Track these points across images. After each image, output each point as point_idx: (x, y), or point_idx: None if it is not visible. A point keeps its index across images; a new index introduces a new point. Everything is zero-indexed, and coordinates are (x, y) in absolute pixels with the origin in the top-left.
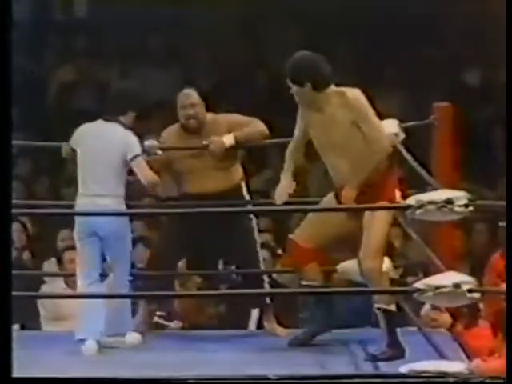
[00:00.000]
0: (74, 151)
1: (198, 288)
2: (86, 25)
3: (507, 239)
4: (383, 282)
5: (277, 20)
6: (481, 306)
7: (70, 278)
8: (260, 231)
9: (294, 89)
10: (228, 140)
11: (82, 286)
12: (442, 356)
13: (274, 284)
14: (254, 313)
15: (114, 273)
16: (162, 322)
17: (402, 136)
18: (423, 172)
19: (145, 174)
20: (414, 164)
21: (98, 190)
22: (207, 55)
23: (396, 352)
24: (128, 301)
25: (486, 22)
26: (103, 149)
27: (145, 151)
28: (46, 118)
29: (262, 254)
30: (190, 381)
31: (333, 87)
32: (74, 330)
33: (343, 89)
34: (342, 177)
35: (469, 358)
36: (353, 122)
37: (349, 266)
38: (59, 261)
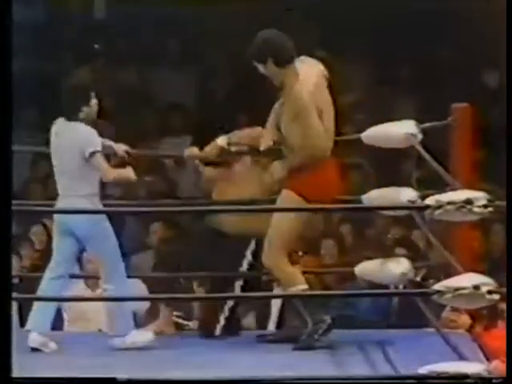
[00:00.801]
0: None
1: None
2: (104, 26)
3: (507, 239)
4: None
5: (292, 20)
6: (500, 307)
7: (89, 279)
8: None
9: (261, 69)
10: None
11: (45, 278)
12: (461, 357)
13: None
14: (273, 314)
15: (102, 273)
16: (180, 321)
17: (420, 137)
18: (443, 172)
19: (103, 169)
20: (434, 164)
21: (66, 190)
22: (223, 57)
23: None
24: (126, 303)
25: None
26: (64, 148)
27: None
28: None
29: None
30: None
31: (297, 65)
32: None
33: (294, 81)
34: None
35: (488, 359)
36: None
37: (368, 267)
38: (79, 261)
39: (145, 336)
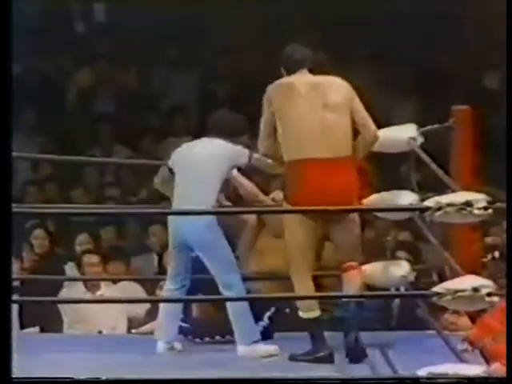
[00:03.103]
0: (171, 172)
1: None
2: (104, 29)
3: (507, 239)
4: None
5: (294, 22)
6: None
7: (90, 282)
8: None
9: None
10: None
11: (167, 290)
12: (461, 359)
13: None
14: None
15: (219, 280)
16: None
17: (420, 140)
18: (442, 174)
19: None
20: (433, 167)
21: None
22: (226, 59)
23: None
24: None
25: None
26: (199, 167)
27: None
28: (66, 122)
29: None
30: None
31: (301, 71)
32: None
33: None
34: None
35: (487, 361)
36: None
37: (370, 270)
38: (78, 265)
39: (270, 348)
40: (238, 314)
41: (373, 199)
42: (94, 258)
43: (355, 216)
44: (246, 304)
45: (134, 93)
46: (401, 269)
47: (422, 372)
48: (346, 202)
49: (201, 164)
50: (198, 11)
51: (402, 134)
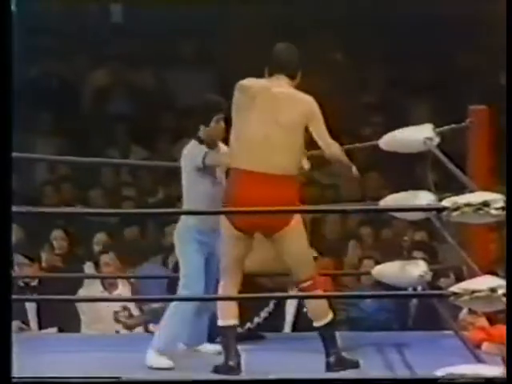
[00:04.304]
0: None
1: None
2: (120, 29)
3: (507, 238)
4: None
5: (310, 21)
6: None
7: (106, 281)
8: None
9: None
10: None
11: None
12: (478, 360)
13: None
14: (289, 316)
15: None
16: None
17: (437, 140)
18: (460, 174)
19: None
20: (451, 166)
21: None
22: (240, 58)
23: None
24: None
25: None
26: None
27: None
28: (82, 122)
29: None
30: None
31: (279, 78)
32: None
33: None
34: None
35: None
36: None
37: (387, 269)
38: (96, 264)
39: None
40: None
41: (390, 199)
42: (112, 257)
43: (295, 231)
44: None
45: (150, 93)
46: (418, 268)
47: (440, 372)
48: (280, 219)
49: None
50: (212, 11)
51: (419, 134)
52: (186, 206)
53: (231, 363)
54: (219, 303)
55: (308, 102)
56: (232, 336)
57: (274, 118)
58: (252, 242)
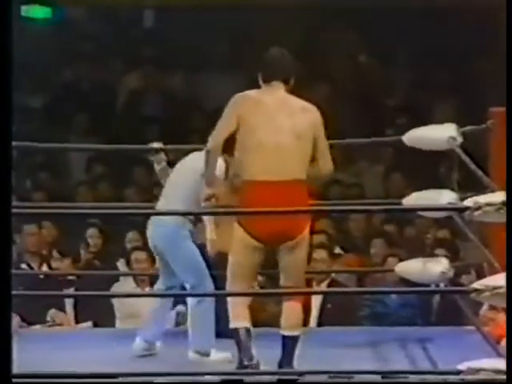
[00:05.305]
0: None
1: (261, 287)
2: (153, 34)
3: (507, 238)
4: None
5: (335, 26)
6: None
7: (138, 277)
8: (316, 232)
9: None
10: None
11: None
12: (498, 354)
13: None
14: (314, 311)
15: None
16: None
17: (460, 140)
18: (481, 174)
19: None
20: (473, 167)
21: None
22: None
23: None
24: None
25: None
26: (176, 174)
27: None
28: (116, 123)
29: (319, 253)
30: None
31: (275, 85)
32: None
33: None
34: None
35: None
36: None
37: (409, 266)
38: (128, 261)
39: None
40: (196, 319)
41: (414, 198)
42: (143, 255)
43: (303, 239)
44: (206, 310)
45: (181, 95)
46: (440, 265)
47: (461, 366)
48: (294, 227)
49: (189, 170)
50: (245, 15)
51: (443, 133)
52: (180, 204)
53: (246, 363)
54: (231, 306)
55: (315, 112)
56: (245, 338)
57: (286, 125)
58: (264, 252)
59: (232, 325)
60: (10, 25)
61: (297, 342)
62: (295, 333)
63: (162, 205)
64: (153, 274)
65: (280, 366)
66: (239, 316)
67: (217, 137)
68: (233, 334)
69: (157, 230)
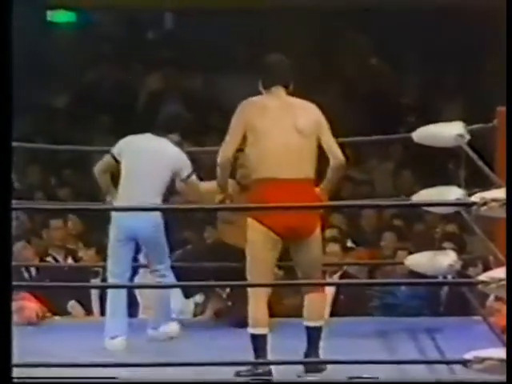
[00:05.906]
0: (116, 161)
1: (278, 279)
2: (173, 36)
3: (507, 239)
4: None
5: (345, 29)
6: None
7: None
8: (329, 227)
9: None
10: None
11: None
12: (504, 344)
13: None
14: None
15: (153, 269)
16: None
17: (467, 138)
18: (488, 171)
19: (194, 191)
20: (480, 164)
21: (140, 200)
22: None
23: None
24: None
25: None
26: (153, 163)
27: None
28: (135, 124)
29: (332, 247)
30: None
31: (276, 90)
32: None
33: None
34: None
35: None
36: None
37: (419, 259)
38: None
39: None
40: (158, 300)
41: (423, 194)
42: None
43: (318, 235)
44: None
45: (200, 96)
46: (448, 258)
47: (468, 356)
48: (309, 222)
49: (156, 159)
50: (261, 18)
51: (451, 130)
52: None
53: (260, 370)
54: (251, 309)
55: (317, 111)
56: (263, 345)
57: (292, 125)
58: (280, 249)
59: (251, 330)
60: (11, 25)
61: (321, 332)
62: (320, 323)
63: (132, 193)
64: None
65: (306, 356)
66: (259, 322)
67: (226, 150)
68: (251, 339)
69: (143, 219)
